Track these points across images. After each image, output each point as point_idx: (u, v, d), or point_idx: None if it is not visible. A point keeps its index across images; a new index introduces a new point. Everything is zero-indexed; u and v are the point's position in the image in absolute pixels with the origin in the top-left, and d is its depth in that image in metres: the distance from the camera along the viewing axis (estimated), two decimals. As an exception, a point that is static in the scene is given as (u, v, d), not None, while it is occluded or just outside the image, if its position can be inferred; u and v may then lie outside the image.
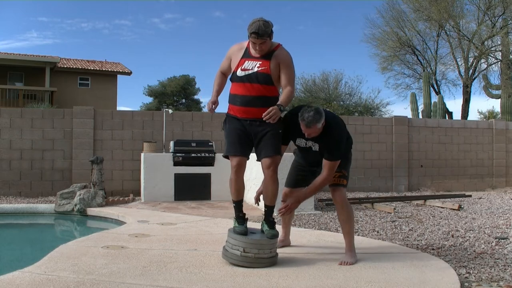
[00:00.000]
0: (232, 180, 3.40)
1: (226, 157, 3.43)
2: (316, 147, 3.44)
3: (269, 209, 3.43)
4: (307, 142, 3.47)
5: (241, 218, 3.39)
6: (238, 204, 3.46)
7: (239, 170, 3.36)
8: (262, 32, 3.21)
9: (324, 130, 3.33)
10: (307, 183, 3.58)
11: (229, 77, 3.49)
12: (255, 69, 3.32)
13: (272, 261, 3.26)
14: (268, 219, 3.40)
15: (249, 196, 7.43)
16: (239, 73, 3.34)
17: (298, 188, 3.71)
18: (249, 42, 3.39)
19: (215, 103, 3.41)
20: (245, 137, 3.37)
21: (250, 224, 3.82)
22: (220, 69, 3.55)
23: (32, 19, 52.02)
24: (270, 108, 3.15)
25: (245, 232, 3.29)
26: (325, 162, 3.36)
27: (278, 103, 3.24)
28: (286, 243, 3.93)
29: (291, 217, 3.96)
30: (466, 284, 2.89)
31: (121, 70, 23.57)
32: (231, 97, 3.43)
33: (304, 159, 3.67)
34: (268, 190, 3.39)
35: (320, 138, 3.37)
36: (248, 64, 3.34)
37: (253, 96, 3.32)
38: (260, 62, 3.33)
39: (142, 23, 53.19)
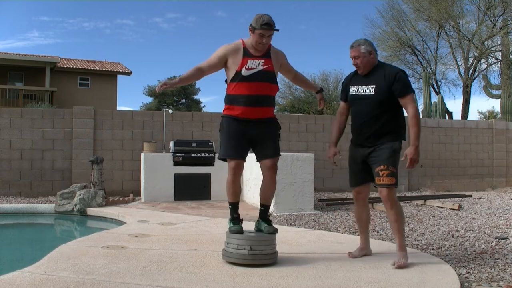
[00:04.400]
0: (229, 182, 3.39)
1: (223, 159, 3.43)
2: (371, 90, 3.35)
3: (266, 208, 3.50)
4: (358, 88, 3.42)
5: (236, 219, 3.41)
6: (234, 206, 3.46)
7: (238, 173, 3.37)
8: (273, 23, 3.29)
9: (376, 68, 3.39)
10: (368, 175, 3.44)
11: (231, 77, 3.37)
12: (260, 67, 3.33)
13: (274, 258, 3.29)
14: (265, 217, 3.46)
15: (249, 195, 7.44)
16: (244, 72, 3.30)
17: (364, 184, 3.53)
18: (244, 42, 3.38)
19: (166, 84, 3.28)
20: (244, 140, 3.37)
21: (248, 224, 3.83)
22: (201, 66, 3.39)
23: (34, 18, 52.13)
24: (320, 97, 3.75)
25: (241, 231, 3.29)
26: (405, 99, 3.29)
27: (319, 87, 3.87)
28: (367, 252, 3.63)
29: (368, 219, 3.69)
30: (466, 284, 2.89)
31: (121, 70, 23.58)
32: (232, 97, 3.36)
33: (356, 116, 3.46)
34: (269, 190, 3.46)
35: (375, 77, 3.36)
36: (251, 63, 3.32)
37: (259, 95, 3.32)
38: (263, 61, 3.34)
39: (144, 23, 53.32)
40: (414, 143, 3.24)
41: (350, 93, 3.51)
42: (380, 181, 3.31)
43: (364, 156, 3.42)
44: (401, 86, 3.29)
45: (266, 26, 3.24)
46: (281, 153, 3.51)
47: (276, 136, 3.46)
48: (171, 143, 7.87)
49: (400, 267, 3.18)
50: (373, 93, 3.35)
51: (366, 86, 3.39)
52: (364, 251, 3.60)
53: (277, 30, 3.29)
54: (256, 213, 6.01)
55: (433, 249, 3.96)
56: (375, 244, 4.14)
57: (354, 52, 3.38)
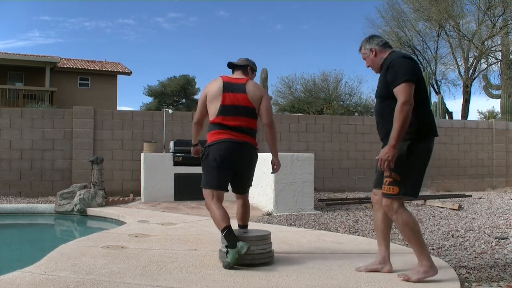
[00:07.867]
0: None
1: None
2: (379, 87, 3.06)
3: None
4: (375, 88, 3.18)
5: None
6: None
7: None
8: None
9: (383, 66, 2.99)
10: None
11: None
12: None
13: (271, 257, 3.32)
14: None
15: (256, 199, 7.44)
16: None
17: (379, 187, 3.11)
18: None
19: None
20: None
21: (251, 224, 3.82)
22: None
23: (35, 18, 52.15)
24: None
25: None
26: (395, 90, 2.77)
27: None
28: (386, 268, 3.05)
29: (386, 226, 3.13)
30: (466, 284, 2.88)
31: (121, 70, 23.58)
32: None
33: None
34: None
35: (382, 72, 3.02)
36: None
37: None
38: None
39: (145, 23, 53.35)
40: (390, 141, 2.73)
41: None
42: (382, 190, 2.91)
43: None
44: (391, 75, 2.81)
45: None
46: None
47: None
48: (171, 143, 7.87)
49: (407, 281, 2.81)
50: (376, 89, 3.09)
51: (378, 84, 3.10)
52: (380, 266, 3.06)
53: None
54: (255, 213, 6.02)
55: (433, 249, 3.96)
56: (375, 244, 4.14)
57: (362, 55, 3.13)
